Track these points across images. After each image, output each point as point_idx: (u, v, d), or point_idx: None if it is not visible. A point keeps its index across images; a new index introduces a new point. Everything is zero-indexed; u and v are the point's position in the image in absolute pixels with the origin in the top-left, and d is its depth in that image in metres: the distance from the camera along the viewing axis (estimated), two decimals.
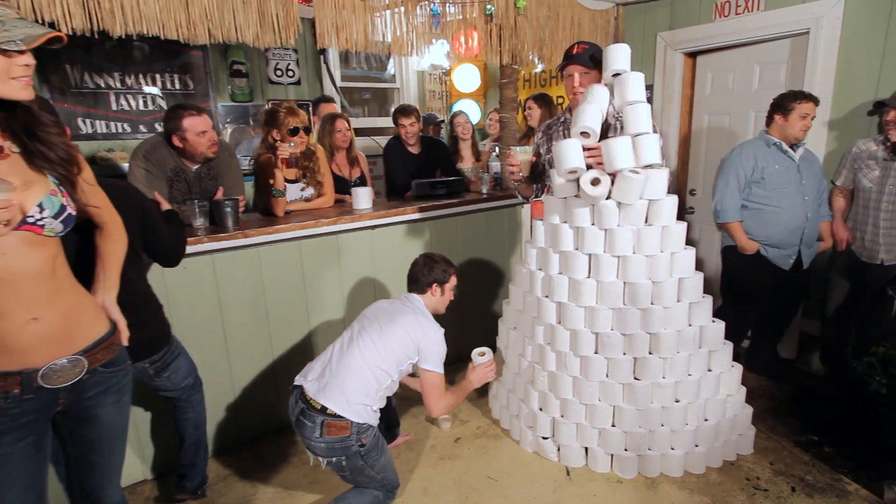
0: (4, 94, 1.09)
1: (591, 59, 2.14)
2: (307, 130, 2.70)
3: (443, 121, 4.68)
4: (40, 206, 1.17)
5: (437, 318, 2.14)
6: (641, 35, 3.85)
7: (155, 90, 3.64)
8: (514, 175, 2.35)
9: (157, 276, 2.14)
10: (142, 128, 3.61)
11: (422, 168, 3.50)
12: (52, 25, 1.94)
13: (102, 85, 3.45)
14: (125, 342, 1.42)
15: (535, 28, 3.36)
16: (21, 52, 1.06)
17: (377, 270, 2.87)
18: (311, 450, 1.87)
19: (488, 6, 3.06)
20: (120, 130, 3.53)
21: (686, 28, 3.58)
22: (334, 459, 1.86)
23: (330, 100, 3.95)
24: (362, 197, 2.81)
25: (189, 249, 2.24)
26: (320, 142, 3.30)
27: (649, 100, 3.86)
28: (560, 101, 4.42)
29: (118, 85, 3.50)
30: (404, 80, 4.94)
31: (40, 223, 1.17)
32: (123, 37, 2.09)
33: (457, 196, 3.18)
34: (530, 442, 2.43)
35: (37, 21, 1.89)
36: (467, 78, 5.01)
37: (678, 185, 3.90)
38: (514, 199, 3.42)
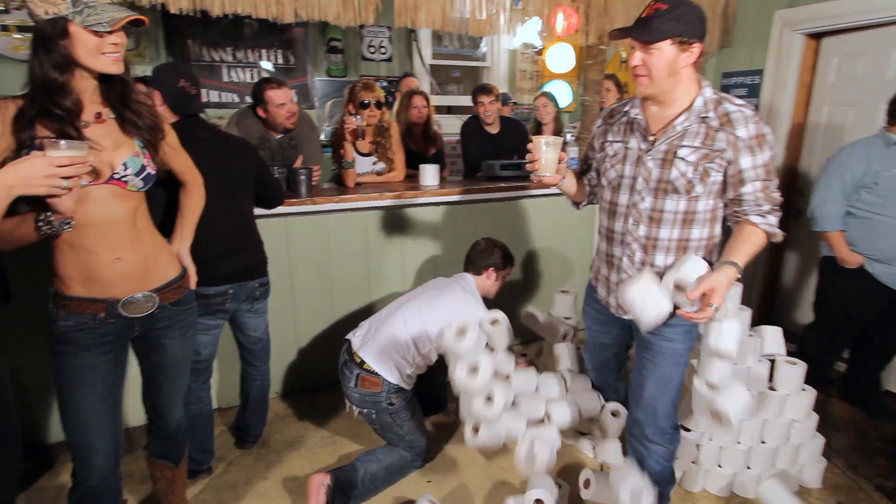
0: (98, 67, 1.28)
1: (666, 27, 1.35)
2: (378, 105, 2.81)
3: (515, 102, 4.61)
4: (125, 164, 1.37)
5: (487, 302, 2.18)
6: (756, 13, 3.46)
7: (268, 65, 3.98)
8: (535, 176, 1.59)
9: None
10: (247, 98, 3.96)
11: (499, 148, 3.49)
12: (162, 6, 2.21)
13: (217, 59, 3.84)
14: (192, 286, 1.64)
15: (627, 5, 3.16)
16: (109, 33, 1.24)
17: (438, 247, 2.95)
18: (348, 398, 2.05)
19: None
20: (228, 100, 3.92)
21: (810, 6, 3.15)
22: (365, 411, 2.02)
23: (411, 75, 4.05)
24: (429, 174, 2.89)
25: (264, 212, 2.47)
26: (397, 116, 3.41)
27: (757, 86, 3.49)
28: None
29: (230, 59, 3.87)
30: (495, 58, 4.90)
31: (124, 179, 1.38)
32: (221, 15, 2.32)
33: (526, 179, 3.14)
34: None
35: (150, 2, 2.17)
36: (560, 58, 4.83)
37: (785, 184, 3.50)
38: None
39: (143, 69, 3.66)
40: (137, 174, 1.39)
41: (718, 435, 2.08)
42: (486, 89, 3.44)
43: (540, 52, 4.91)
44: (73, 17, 1.19)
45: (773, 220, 1.47)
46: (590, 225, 3.41)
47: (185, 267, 1.63)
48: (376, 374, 1.99)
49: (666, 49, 1.38)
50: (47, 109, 1.25)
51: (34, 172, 1.09)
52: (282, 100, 2.64)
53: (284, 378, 2.76)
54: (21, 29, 3.22)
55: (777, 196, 1.48)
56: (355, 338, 2.11)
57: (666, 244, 1.55)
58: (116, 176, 1.36)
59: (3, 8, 3.14)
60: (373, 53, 4.32)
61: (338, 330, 2.79)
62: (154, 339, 1.55)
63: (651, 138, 1.53)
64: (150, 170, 1.43)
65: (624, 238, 1.60)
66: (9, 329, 2.06)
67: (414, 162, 3.26)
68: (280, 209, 2.49)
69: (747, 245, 1.45)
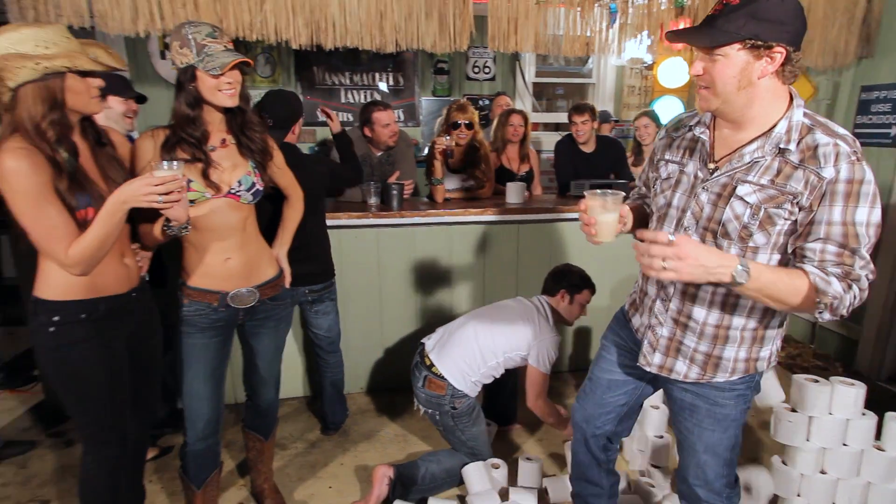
0: (217, 102, 1.57)
1: (733, 26, 1.07)
2: (469, 126, 2.96)
3: (616, 119, 4.45)
4: (239, 182, 1.66)
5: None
6: None
7: (384, 86, 4.35)
8: (591, 240, 1.29)
9: (334, 243, 2.68)
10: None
11: (593, 168, 3.44)
12: (286, 43, 2.57)
13: (336, 82, 4.29)
14: (287, 285, 1.90)
15: None
16: (221, 74, 1.52)
17: (519, 264, 3.00)
18: (416, 397, 2.21)
19: None
20: (344, 119, 4.35)
21: None
22: (430, 411, 2.15)
23: (503, 94, 4.15)
24: (514, 191, 2.96)
25: (359, 222, 2.74)
26: (495, 134, 3.53)
27: None
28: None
29: (348, 82, 4.30)
30: (601, 75, 4.81)
31: (237, 193, 1.66)
32: (333, 49, 2.63)
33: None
34: (639, 463, 2.31)
35: (276, 39, 2.54)
36: (673, 72, 4.60)
37: None
38: None
39: None
40: (248, 190, 1.67)
41: (808, 492, 1.87)
42: (580, 108, 3.43)
43: (650, 67, 4.73)
44: (198, 64, 1.49)
45: (838, 286, 1.07)
46: None
47: (282, 268, 1.90)
48: (442, 377, 2.11)
49: (733, 55, 1.09)
50: (183, 138, 1.57)
51: (137, 190, 1.36)
52: (387, 121, 2.91)
53: (370, 375, 3.00)
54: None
55: (860, 272, 1.08)
56: (429, 342, 2.26)
57: (709, 297, 1.27)
58: (232, 191, 1.64)
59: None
60: (476, 73, 4.50)
61: (419, 334, 2.97)
62: (254, 328, 1.83)
63: (712, 165, 1.24)
64: (259, 186, 1.71)
65: (661, 280, 1.34)
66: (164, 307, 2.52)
67: (507, 179, 3.35)
68: (372, 220, 2.74)
69: (783, 279, 1.09)
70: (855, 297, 1.09)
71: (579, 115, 3.39)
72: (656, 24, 2.94)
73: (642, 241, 1.09)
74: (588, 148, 3.50)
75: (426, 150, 4.16)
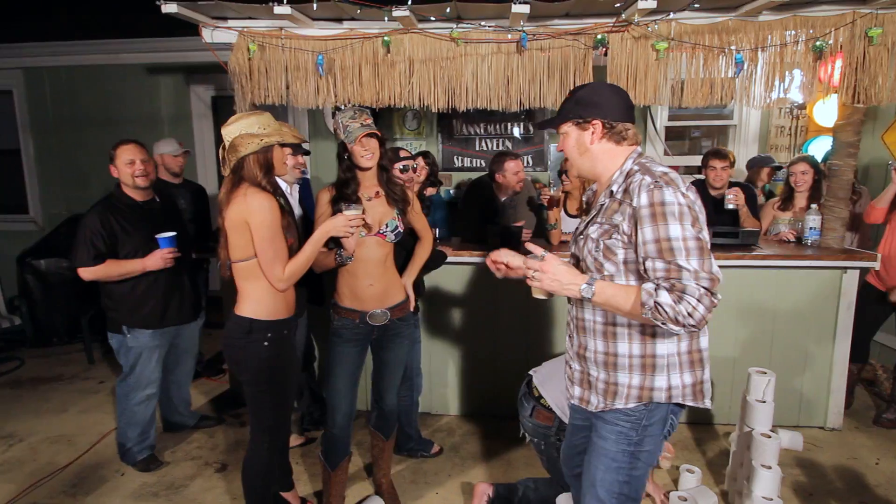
0: (360, 164, 2.06)
1: (563, 111, 1.48)
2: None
3: (778, 166, 4.13)
4: (387, 224, 2.12)
5: None
6: None
7: (518, 131, 4.74)
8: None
9: (457, 277, 3.02)
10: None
11: (720, 213, 3.35)
12: (427, 108, 3.07)
13: (472, 132, 4.77)
14: (412, 309, 2.31)
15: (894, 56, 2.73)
16: (353, 143, 2.02)
17: None
18: (522, 426, 2.38)
19: (818, 42, 2.72)
20: (477, 165, 4.79)
21: None
22: (535, 440, 2.32)
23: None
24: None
25: (480, 260, 3.07)
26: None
27: None
28: None
29: (482, 132, 4.76)
30: (743, 115, 4.60)
31: (384, 233, 2.12)
32: (466, 110, 3.06)
33: (742, 249, 2.96)
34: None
35: (420, 105, 3.05)
36: (829, 111, 4.23)
37: None
38: (831, 261, 2.90)
39: (421, 143, 4.84)
40: (392, 231, 2.13)
41: None
42: (720, 154, 3.38)
43: (802, 107, 4.40)
44: (345, 140, 2.03)
45: (666, 297, 1.21)
46: (832, 302, 2.96)
47: (408, 294, 2.29)
48: (550, 409, 2.27)
49: (569, 131, 1.45)
50: (343, 195, 2.08)
51: (339, 223, 1.90)
52: (516, 169, 3.25)
53: (480, 400, 3.25)
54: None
55: (690, 282, 1.21)
56: (537, 374, 2.43)
57: (592, 327, 1.46)
58: (381, 231, 2.12)
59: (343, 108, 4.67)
60: None
61: (528, 367, 3.16)
62: (384, 342, 2.25)
63: (585, 218, 1.52)
64: (401, 228, 2.16)
65: (568, 320, 1.58)
66: (319, 319, 3.10)
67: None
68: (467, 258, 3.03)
69: (621, 292, 1.30)
70: (693, 307, 1.20)
71: (720, 161, 3.32)
72: (791, 66, 2.85)
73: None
74: (717, 193, 3.42)
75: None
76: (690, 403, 1.41)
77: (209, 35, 3.07)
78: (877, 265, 2.92)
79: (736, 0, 2.69)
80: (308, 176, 4.02)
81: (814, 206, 3.13)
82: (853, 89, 2.80)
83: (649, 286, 1.26)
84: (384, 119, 4.77)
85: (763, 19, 2.79)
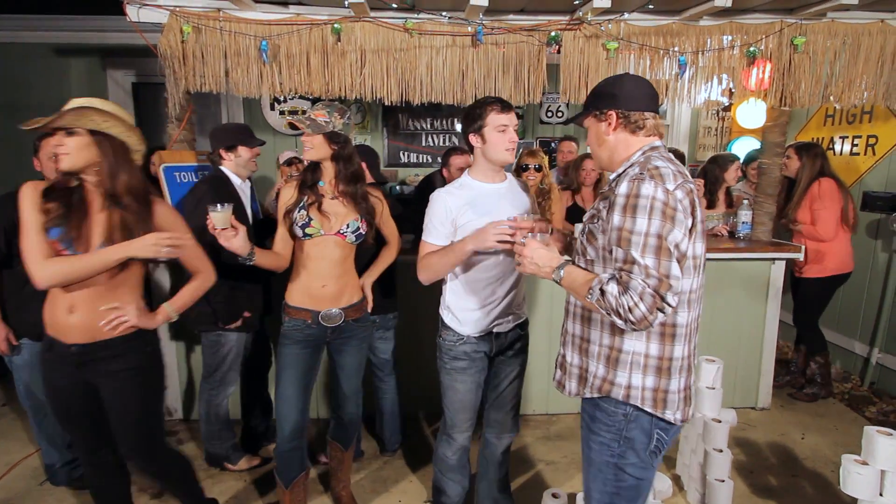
0: (304, 156, 1.94)
1: (586, 106, 1.49)
2: (538, 169, 3.16)
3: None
4: (347, 225, 1.99)
5: None
6: None
7: (459, 127, 4.70)
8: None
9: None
10: (439, 160, 4.72)
11: None
12: (380, 101, 2.96)
13: (418, 127, 4.69)
14: (369, 310, 2.19)
15: (819, 64, 2.97)
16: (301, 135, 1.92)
17: None
18: None
19: (751, 47, 2.90)
20: (424, 161, 4.73)
21: None
22: None
23: (569, 139, 4.30)
24: (579, 231, 3.10)
25: None
26: (570, 176, 3.72)
27: None
28: (872, 142, 3.64)
29: (428, 127, 4.69)
30: (675, 116, 4.86)
31: (343, 233, 1.99)
32: (420, 104, 2.98)
33: None
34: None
35: (372, 97, 2.93)
36: (753, 114, 4.57)
37: None
38: (762, 253, 3.12)
39: (365, 137, 4.69)
40: (353, 232, 2.01)
41: None
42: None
43: (728, 109, 4.72)
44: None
45: (613, 287, 1.21)
46: (762, 290, 3.18)
47: (366, 295, 2.18)
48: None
49: (590, 124, 1.46)
50: (304, 181, 1.98)
51: (148, 241, 1.61)
52: (461, 164, 3.19)
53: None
54: (290, 113, 4.48)
55: (637, 278, 1.19)
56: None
57: (572, 310, 1.50)
58: (341, 231, 1.99)
59: (283, 99, 4.43)
60: (550, 117, 4.73)
61: None
62: (338, 344, 2.12)
63: None
64: (362, 230, 2.04)
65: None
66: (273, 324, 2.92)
67: (580, 219, 3.50)
68: None
69: (580, 276, 1.33)
70: (634, 303, 1.18)
71: None
72: (727, 70, 3.02)
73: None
74: None
75: None
76: (649, 410, 1.35)
77: (135, 13, 2.77)
78: (800, 256, 3.17)
79: (680, 4, 2.80)
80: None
81: (745, 201, 3.36)
82: (780, 93, 3.01)
83: (604, 275, 1.27)
84: None
85: (703, 24, 2.93)
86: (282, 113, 4.49)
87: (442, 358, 1.95)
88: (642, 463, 1.39)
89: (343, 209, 2.00)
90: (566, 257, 1.44)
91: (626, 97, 1.37)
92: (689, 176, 1.35)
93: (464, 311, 1.89)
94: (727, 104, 4.63)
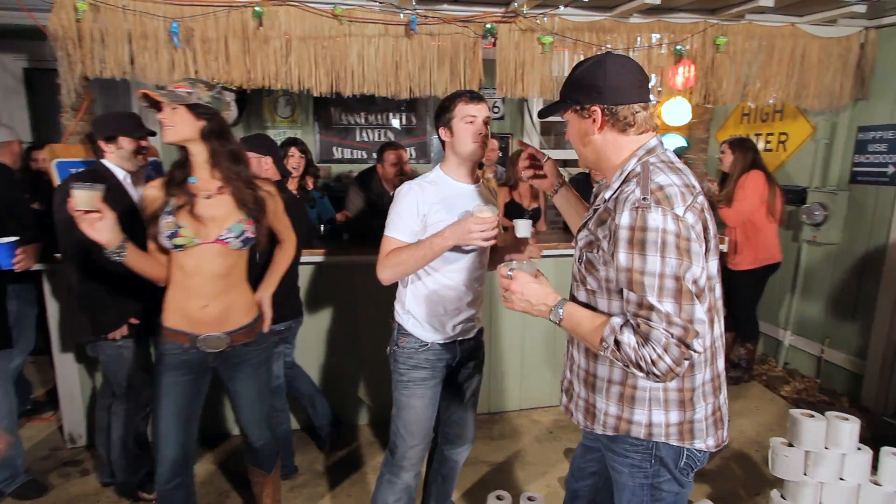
0: (164, 138, 1.59)
1: (561, 97, 1.24)
2: (479, 165, 3.11)
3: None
4: (230, 229, 1.65)
5: None
6: None
7: (396, 121, 4.57)
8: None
9: (317, 278, 2.80)
10: (374, 155, 4.56)
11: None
12: (308, 92, 2.77)
13: (352, 122, 4.51)
14: (265, 330, 1.86)
15: (738, 64, 3.11)
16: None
17: None
18: None
19: (677, 46, 2.99)
20: (359, 157, 4.56)
21: None
22: None
23: (493, 136, 4.32)
24: (521, 228, 3.06)
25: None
26: (507, 172, 3.70)
27: None
28: (784, 138, 3.89)
29: (363, 122, 4.52)
30: None
31: (225, 239, 1.65)
32: (351, 96, 2.83)
33: None
34: None
35: (299, 88, 2.74)
36: (677, 111, 4.76)
37: None
38: None
39: (296, 131, 4.45)
40: (238, 237, 1.67)
41: None
42: None
43: (654, 106, 4.90)
44: None
45: (630, 337, 1.05)
46: None
47: (263, 312, 1.86)
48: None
49: (570, 118, 1.23)
50: (172, 177, 1.64)
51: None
52: (394, 160, 3.09)
53: (376, 408, 3.08)
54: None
55: (658, 328, 1.03)
56: None
57: (576, 341, 1.31)
58: (221, 237, 1.65)
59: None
60: None
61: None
62: (229, 371, 1.81)
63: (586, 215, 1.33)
64: (250, 234, 1.69)
65: None
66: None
67: (517, 215, 3.49)
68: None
69: (586, 319, 1.15)
70: (658, 356, 1.02)
71: None
72: (657, 69, 3.11)
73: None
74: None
75: None
76: (675, 444, 1.19)
77: None
78: (724, 247, 3.32)
79: (612, 1, 2.83)
80: (158, 159, 3.45)
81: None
82: (704, 91, 3.13)
83: (616, 321, 1.09)
84: (253, 104, 4.29)
85: (633, 21, 2.98)
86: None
87: (398, 369, 1.75)
88: (677, 480, 1.24)
89: (222, 210, 1.65)
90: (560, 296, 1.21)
91: (611, 89, 1.14)
92: (696, 183, 1.15)
93: (431, 316, 1.71)
94: (654, 102, 4.80)
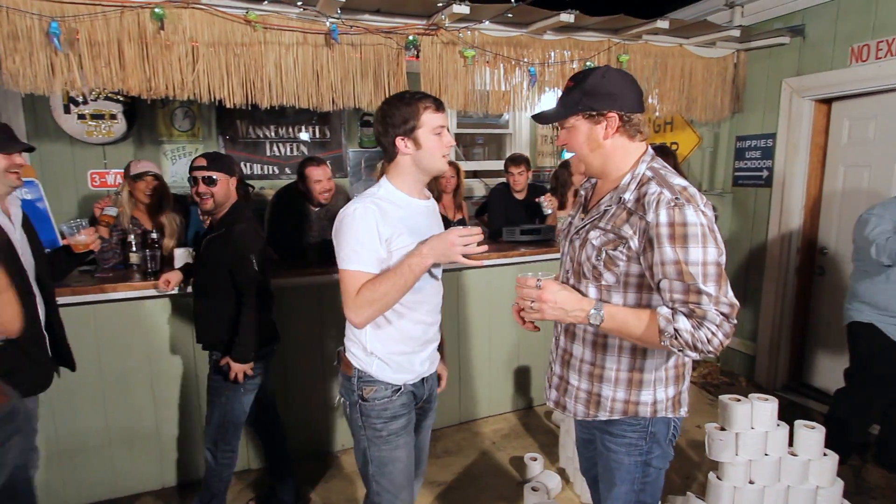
0: None
1: (570, 103, 1.29)
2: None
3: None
4: None
5: None
6: (764, 81, 3.63)
7: (305, 135, 4.35)
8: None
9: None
10: (287, 170, 4.32)
11: (528, 213, 3.67)
12: (220, 103, 2.54)
13: (261, 135, 4.23)
14: None
15: (640, 81, 3.37)
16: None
17: (458, 311, 3.09)
18: None
19: (588, 62, 3.18)
20: (270, 172, 4.28)
21: (816, 74, 3.30)
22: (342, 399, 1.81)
23: None
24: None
25: (301, 281, 2.70)
26: (429, 185, 3.67)
27: (771, 149, 3.61)
28: (675, 147, 4.29)
29: (272, 135, 4.26)
30: (517, 126, 5.18)
31: None
32: (269, 107, 2.64)
33: (544, 245, 3.28)
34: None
35: (210, 98, 2.50)
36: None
37: (806, 242, 3.53)
38: None
39: (197, 147, 4.07)
40: None
41: (741, 502, 2.07)
42: (517, 160, 3.66)
43: None
44: None
45: (685, 322, 1.14)
46: None
47: None
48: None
49: (578, 125, 1.29)
50: None
51: None
52: (318, 177, 2.93)
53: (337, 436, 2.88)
54: (94, 117, 3.67)
55: (710, 309, 1.13)
56: None
57: (582, 335, 1.37)
58: None
59: (82, 100, 3.61)
60: None
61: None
62: None
63: (582, 215, 1.40)
64: None
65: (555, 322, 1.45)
66: None
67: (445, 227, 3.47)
68: (317, 279, 2.70)
69: (632, 318, 1.21)
70: (713, 333, 1.13)
71: (516, 167, 3.62)
72: (563, 82, 3.27)
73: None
74: (521, 196, 3.74)
75: None
76: (669, 415, 1.34)
77: None
78: None
79: (529, 17, 2.93)
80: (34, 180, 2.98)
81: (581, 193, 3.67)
82: None
83: (666, 311, 1.17)
84: (146, 117, 3.86)
85: (547, 38, 3.12)
86: (81, 117, 3.65)
87: (372, 425, 1.52)
88: (664, 454, 1.40)
89: None
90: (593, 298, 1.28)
91: (625, 97, 1.24)
92: None
93: (400, 354, 1.52)
94: None
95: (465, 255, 1.37)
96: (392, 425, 1.52)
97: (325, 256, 2.80)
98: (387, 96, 2.80)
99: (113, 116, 3.69)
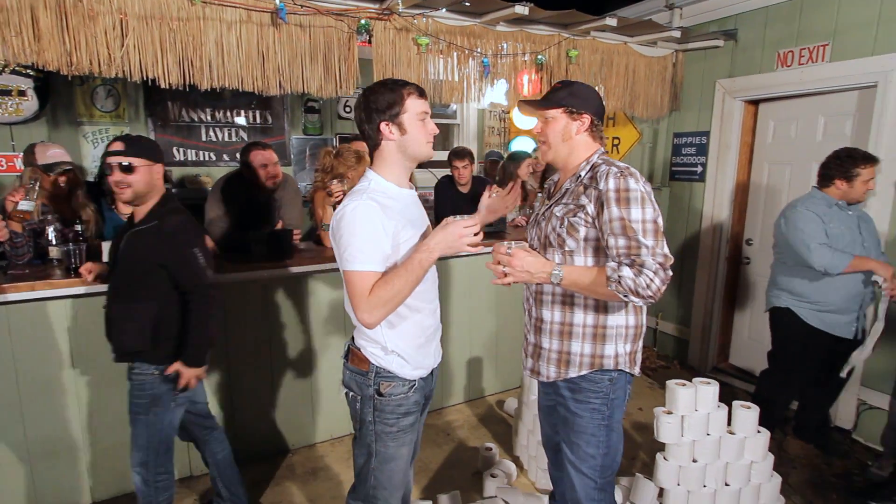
0: None
1: (558, 98, 1.54)
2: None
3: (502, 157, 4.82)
4: None
5: None
6: (700, 81, 3.83)
7: (242, 120, 4.10)
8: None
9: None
10: (225, 157, 4.07)
11: (472, 206, 3.65)
12: (153, 82, 2.33)
13: (196, 119, 3.95)
14: None
15: (587, 75, 3.46)
16: None
17: None
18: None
19: (539, 56, 3.21)
20: (206, 159, 4.01)
21: (747, 76, 3.52)
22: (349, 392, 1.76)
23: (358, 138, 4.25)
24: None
25: (248, 276, 2.55)
26: None
27: (705, 146, 3.82)
28: (616, 142, 4.45)
29: (208, 119, 3.99)
30: (464, 116, 5.17)
31: None
32: (209, 89, 2.45)
33: (490, 237, 3.29)
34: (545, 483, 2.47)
35: (142, 77, 2.29)
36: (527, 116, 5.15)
37: (734, 233, 3.78)
38: None
39: (122, 129, 3.74)
40: None
41: (685, 480, 2.19)
42: (460, 154, 3.64)
43: (508, 111, 5.22)
44: None
45: (628, 271, 1.36)
46: None
47: None
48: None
49: (558, 117, 1.54)
50: None
51: None
52: (263, 161, 2.77)
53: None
54: (0, 93, 3.27)
55: (648, 258, 1.37)
56: None
57: (551, 299, 1.58)
58: None
59: None
60: (349, 112, 4.51)
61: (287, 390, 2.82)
62: None
63: (547, 202, 1.64)
64: None
65: (526, 296, 1.70)
66: None
67: None
68: (264, 273, 2.56)
69: (585, 272, 1.45)
70: (650, 279, 1.35)
71: (460, 161, 3.60)
72: (515, 74, 3.29)
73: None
74: (465, 189, 3.73)
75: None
76: (627, 370, 1.58)
77: None
78: None
79: (483, 7, 2.90)
80: None
81: (540, 194, 3.73)
82: None
83: (612, 264, 1.41)
84: (61, 95, 3.49)
85: (499, 29, 3.11)
86: None
87: (385, 420, 1.52)
88: (620, 416, 1.63)
89: None
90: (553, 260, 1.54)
91: (598, 106, 1.57)
92: None
93: (415, 348, 1.53)
94: (507, 106, 5.11)
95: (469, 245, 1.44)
96: (403, 422, 1.54)
97: (273, 249, 2.67)
98: (338, 82, 2.71)
99: (22, 93, 3.31)
